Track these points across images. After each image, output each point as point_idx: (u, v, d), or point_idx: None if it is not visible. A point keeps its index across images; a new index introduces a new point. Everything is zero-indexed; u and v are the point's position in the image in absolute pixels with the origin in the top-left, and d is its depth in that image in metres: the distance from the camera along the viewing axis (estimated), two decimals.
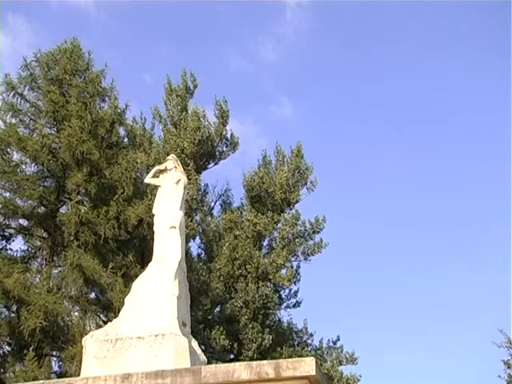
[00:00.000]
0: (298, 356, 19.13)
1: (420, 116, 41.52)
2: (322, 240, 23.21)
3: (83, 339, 9.06)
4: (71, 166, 17.06)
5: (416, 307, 36.37)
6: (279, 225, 23.17)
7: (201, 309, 20.20)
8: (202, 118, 23.40)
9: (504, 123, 30.15)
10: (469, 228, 38.57)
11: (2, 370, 16.13)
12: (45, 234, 17.61)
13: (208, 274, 20.96)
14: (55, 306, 15.31)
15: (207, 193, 24.12)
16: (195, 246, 22.86)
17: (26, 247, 17.93)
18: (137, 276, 10.26)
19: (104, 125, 17.91)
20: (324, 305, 34.52)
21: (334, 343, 23.15)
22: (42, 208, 17.51)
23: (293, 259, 23.02)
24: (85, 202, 17.57)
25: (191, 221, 20.86)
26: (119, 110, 18.80)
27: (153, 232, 10.03)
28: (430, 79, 40.57)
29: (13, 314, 16.37)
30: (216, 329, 19.93)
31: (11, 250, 17.68)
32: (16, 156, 17.63)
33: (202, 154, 23.14)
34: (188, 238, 19.19)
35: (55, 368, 16.89)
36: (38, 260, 17.81)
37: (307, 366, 7.09)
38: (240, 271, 21.36)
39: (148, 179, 10.88)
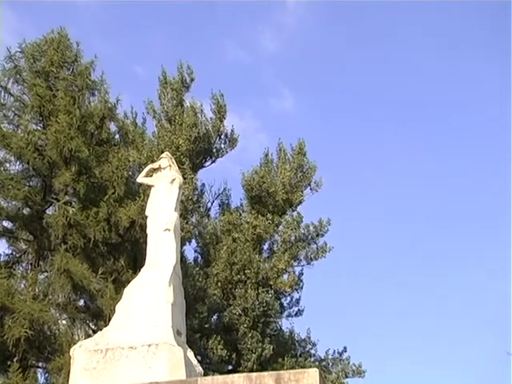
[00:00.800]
0: (301, 367, 19.16)
1: (422, 114, 41.97)
2: (326, 244, 23.31)
3: (71, 349, 9.08)
4: (58, 165, 17.05)
5: (427, 314, 36.57)
6: (280, 227, 23.21)
7: (197, 317, 20.22)
8: (198, 113, 23.46)
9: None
10: (481, 231, 38.83)
11: None
12: (30, 237, 17.59)
13: (205, 280, 20.99)
14: (41, 314, 15.28)
15: (204, 193, 24.19)
16: (191, 250, 22.94)
17: (10, 251, 17.90)
18: (129, 282, 10.28)
19: (94, 120, 17.90)
20: (328, 312, 34.65)
21: (340, 354, 23.21)
22: (28, 209, 17.49)
23: (295, 264, 23.08)
24: (73, 203, 17.54)
25: (187, 223, 20.89)
26: (110, 105, 18.77)
27: (146, 235, 10.06)
28: (432, 77, 41.12)
29: None
30: (213, 338, 19.96)
31: None
32: None
33: (199, 151, 23.18)
34: (183, 242, 19.20)
35: (41, 380, 16.89)
36: (23, 265, 17.79)
37: (310, 377, 7.11)
38: (239, 277, 21.39)
39: (141, 178, 10.90)
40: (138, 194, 17.59)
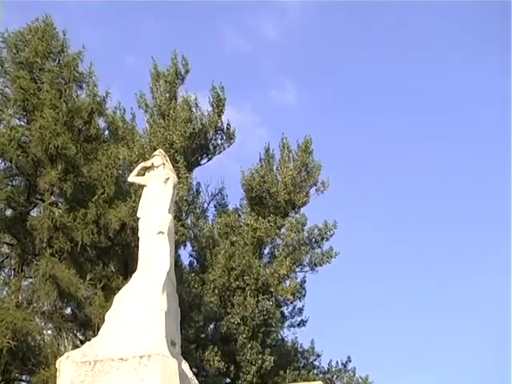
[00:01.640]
0: (304, 380, 19.20)
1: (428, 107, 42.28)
2: (332, 248, 23.25)
3: (57, 361, 9.09)
4: (44, 163, 17.06)
5: (436, 321, 36.67)
6: (282, 230, 23.22)
7: (192, 326, 20.23)
8: (193, 108, 23.46)
9: None
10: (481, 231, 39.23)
11: None
12: (13, 241, 17.60)
13: (201, 287, 21.00)
14: (25, 324, 15.29)
15: (200, 193, 24.19)
16: (186, 254, 22.95)
17: None
18: (119, 288, 10.29)
19: (81, 115, 17.90)
20: (333, 321, 34.63)
21: (345, 365, 23.26)
22: (10, 210, 17.50)
23: (297, 270, 23.10)
24: (59, 204, 17.56)
25: (181, 225, 20.88)
26: (99, 99, 18.78)
27: (137, 238, 10.08)
28: (435, 76, 41.35)
29: None
30: (210, 349, 19.97)
31: None
32: None
33: (194, 148, 23.20)
34: (178, 245, 19.19)
35: None
36: (6, 270, 17.80)
37: None
38: (237, 283, 21.39)
39: (132, 178, 10.91)
40: (129, 194, 17.61)
